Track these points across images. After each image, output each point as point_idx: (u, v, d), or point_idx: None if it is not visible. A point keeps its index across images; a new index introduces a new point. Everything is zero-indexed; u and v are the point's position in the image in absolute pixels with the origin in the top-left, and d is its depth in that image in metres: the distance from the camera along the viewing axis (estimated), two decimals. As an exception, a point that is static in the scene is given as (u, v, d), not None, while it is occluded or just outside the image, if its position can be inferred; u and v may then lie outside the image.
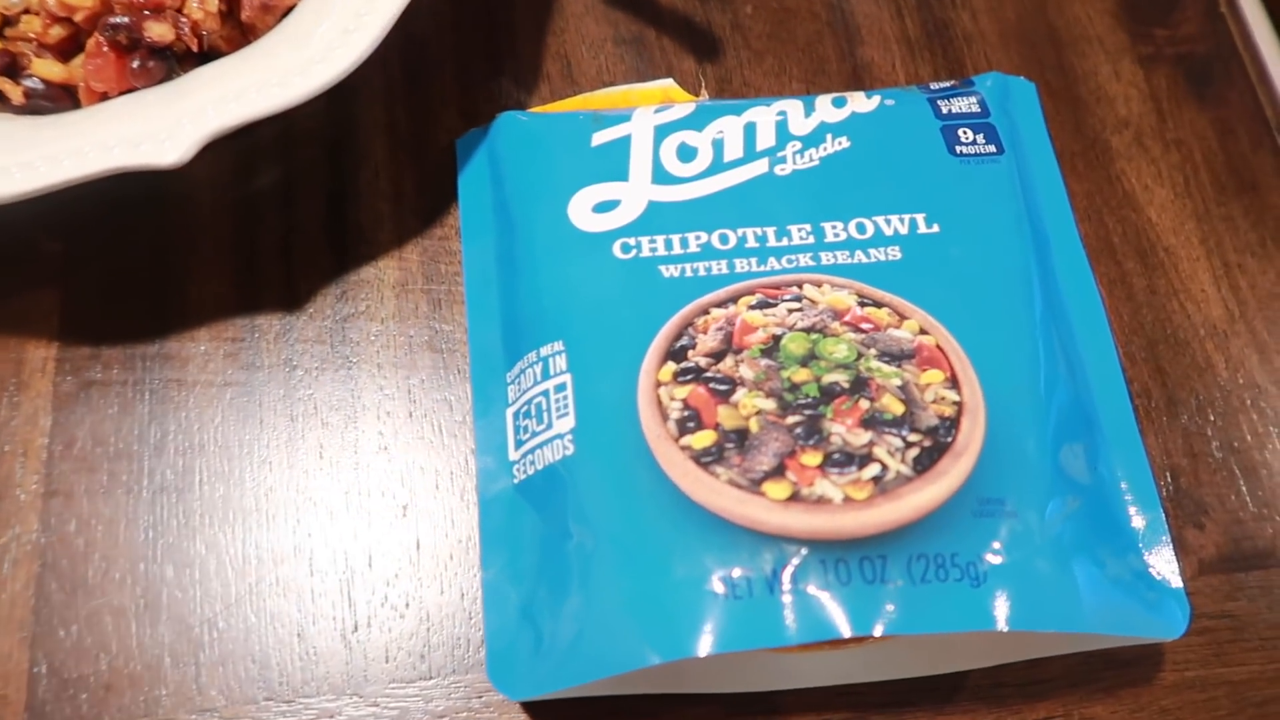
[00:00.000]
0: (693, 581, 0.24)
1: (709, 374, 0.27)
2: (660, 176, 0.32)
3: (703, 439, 0.26)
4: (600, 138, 0.33)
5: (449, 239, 0.34)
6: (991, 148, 0.32)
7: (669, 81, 0.36)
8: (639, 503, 0.26)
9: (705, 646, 0.23)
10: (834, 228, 0.30)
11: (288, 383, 0.32)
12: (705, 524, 0.25)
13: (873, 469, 0.25)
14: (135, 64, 0.30)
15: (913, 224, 0.30)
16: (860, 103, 0.33)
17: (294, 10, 0.31)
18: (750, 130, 0.33)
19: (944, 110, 0.33)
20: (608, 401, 0.27)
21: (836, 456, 0.25)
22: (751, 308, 0.29)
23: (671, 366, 0.28)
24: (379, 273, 0.34)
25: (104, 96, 0.31)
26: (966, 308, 0.28)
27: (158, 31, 0.30)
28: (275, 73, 0.28)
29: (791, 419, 0.26)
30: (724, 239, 0.30)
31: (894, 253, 0.30)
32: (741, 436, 0.26)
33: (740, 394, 0.27)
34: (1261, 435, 0.32)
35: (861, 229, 0.30)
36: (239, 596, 0.29)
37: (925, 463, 0.25)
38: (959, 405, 0.26)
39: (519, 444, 0.29)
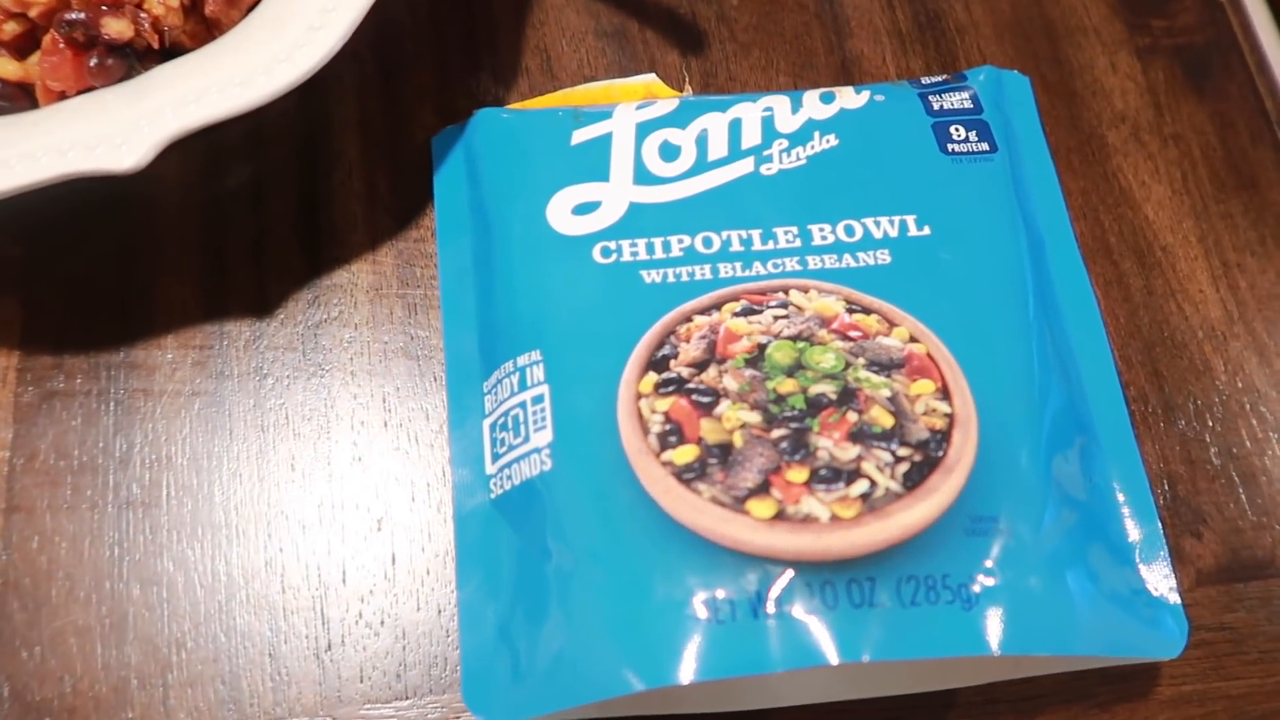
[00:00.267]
0: (674, 604, 0.23)
1: (691, 385, 0.26)
2: (642, 177, 0.31)
3: (685, 454, 0.25)
4: (580, 136, 0.32)
5: (425, 241, 0.33)
6: (984, 145, 0.31)
7: (652, 76, 0.35)
8: (619, 521, 0.25)
9: (688, 673, 0.23)
10: (821, 230, 0.29)
11: (258, 392, 0.31)
12: (687, 544, 0.24)
13: (861, 485, 0.24)
14: (93, 62, 0.29)
15: (903, 226, 0.29)
16: (849, 98, 0.32)
17: (260, 4, 0.30)
18: (735, 127, 0.32)
19: (935, 106, 0.32)
20: (586, 414, 0.26)
21: (823, 472, 0.25)
22: (736, 315, 0.28)
23: (653, 377, 0.27)
24: (352, 276, 0.33)
25: (62, 95, 0.29)
26: (958, 314, 0.28)
27: (115, 28, 0.28)
28: (238, 72, 0.27)
29: (777, 432, 0.25)
30: (708, 242, 0.29)
31: (883, 256, 0.29)
32: (725, 451, 0.25)
33: (724, 406, 0.26)
34: (1261, 441, 0.31)
35: (850, 231, 0.29)
36: (208, 615, 0.29)
37: (915, 479, 0.24)
38: (950, 417, 0.25)
39: (496, 457, 0.28)
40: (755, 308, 0.28)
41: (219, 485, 0.30)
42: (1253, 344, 0.32)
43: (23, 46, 0.30)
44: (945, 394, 0.26)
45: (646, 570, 0.24)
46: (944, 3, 0.37)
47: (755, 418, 0.26)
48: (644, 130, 0.32)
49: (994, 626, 0.23)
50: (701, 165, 0.31)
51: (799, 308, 0.28)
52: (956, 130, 0.31)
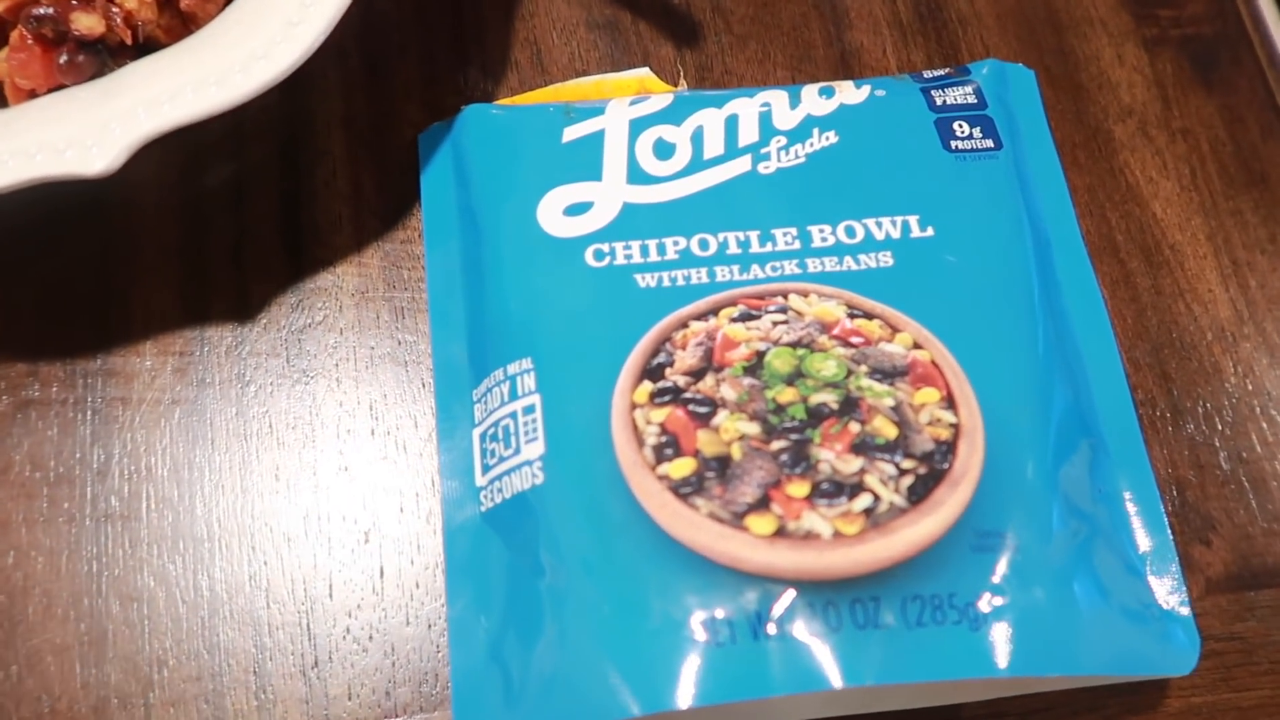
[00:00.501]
0: (672, 625, 0.22)
1: (688, 394, 0.25)
2: (636, 176, 0.30)
3: (681, 467, 0.24)
4: (572, 133, 0.31)
5: (412, 242, 0.32)
6: (989, 142, 0.30)
7: (645, 71, 0.34)
8: (613, 537, 0.24)
9: (686, 698, 0.22)
10: (821, 231, 0.28)
11: (240, 399, 0.30)
12: (684, 561, 0.23)
13: (864, 500, 0.23)
14: (62, 59, 0.27)
15: (905, 227, 0.28)
16: (849, 93, 0.31)
17: (238, -3, 0.29)
18: (732, 124, 0.31)
19: (938, 101, 0.31)
20: (579, 425, 0.25)
21: (825, 486, 0.24)
22: (733, 320, 0.27)
23: (648, 386, 0.26)
24: (337, 279, 0.32)
25: (32, 94, 0.28)
26: (963, 320, 0.27)
27: (86, 24, 0.27)
28: (214, 69, 0.26)
29: (777, 444, 0.24)
30: (704, 244, 0.28)
31: (885, 259, 0.28)
32: (723, 464, 0.24)
33: (721, 417, 0.25)
34: (1272, 445, 0.30)
35: (851, 233, 0.28)
36: (190, 632, 0.28)
37: (920, 492, 0.24)
38: (956, 428, 0.25)
39: (486, 469, 0.27)
40: (753, 313, 0.27)
41: (201, 497, 0.29)
42: (1263, 345, 0.32)
43: (-10, 42, 0.29)
44: (950, 403, 0.25)
45: (642, 589, 0.23)
46: (946, -7, 0.36)
47: (754, 429, 0.25)
48: (637, 127, 0.31)
49: (1002, 647, 0.22)
50: (697, 164, 0.30)
51: (799, 313, 0.27)
52: (960, 126, 0.30)
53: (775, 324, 0.27)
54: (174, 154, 0.32)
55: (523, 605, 0.25)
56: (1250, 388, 0.31)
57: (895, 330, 0.26)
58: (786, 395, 0.25)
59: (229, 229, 0.32)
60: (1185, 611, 0.25)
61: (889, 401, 0.25)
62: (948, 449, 0.24)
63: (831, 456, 0.24)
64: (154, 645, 0.27)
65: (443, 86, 0.34)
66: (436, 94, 0.34)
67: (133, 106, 0.25)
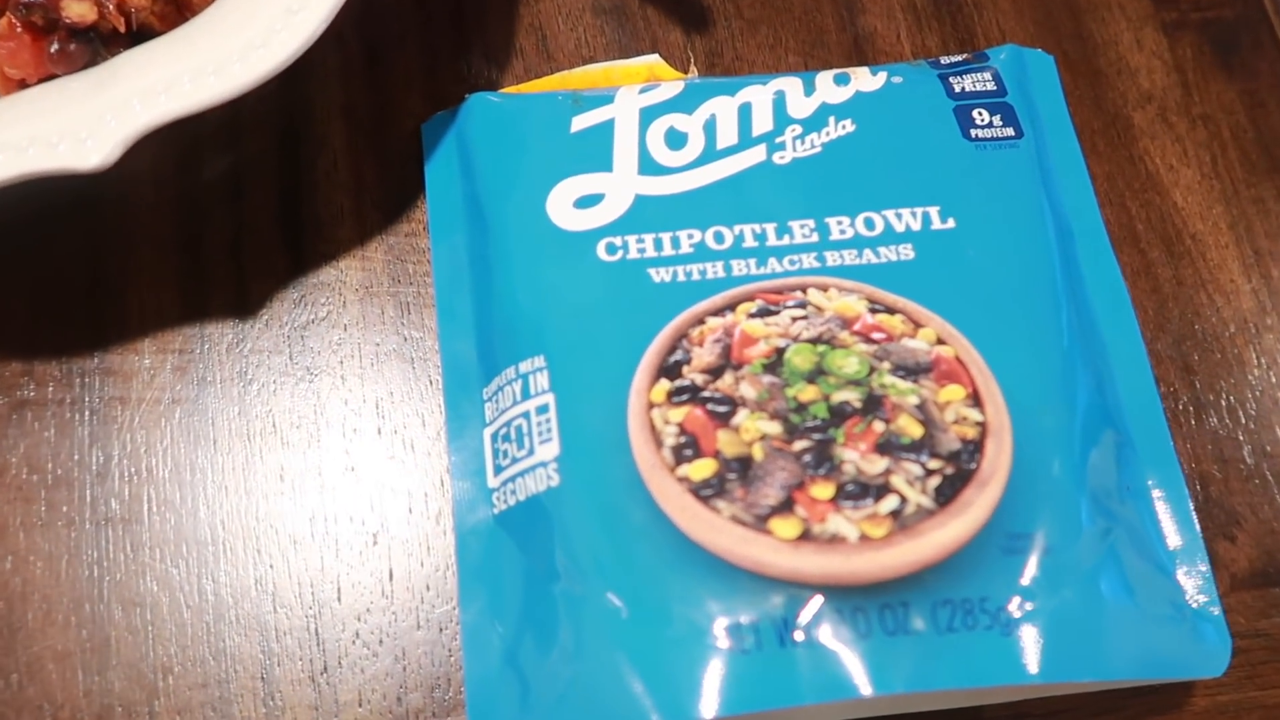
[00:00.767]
0: (694, 632, 0.22)
1: (706, 393, 0.25)
2: (648, 166, 0.29)
3: (702, 469, 0.24)
4: (581, 122, 0.30)
5: (417, 235, 0.31)
6: (1009, 131, 0.29)
7: (654, 57, 0.33)
8: (633, 541, 0.23)
9: (710, 708, 0.21)
10: (840, 224, 0.28)
11: (243, 398, 0.29)
12: (707, 566, 0.22)
13: (890, 502, 0.23)
14: (53, 48, 0.26)
15: (926, 219, 0.28)
16: (865, 80, 0.30)
17: (235, -17, 0.28)
18: (745, 112, 0.30)
19: (956, 88, 0.30)
20: (595, 425, 0.25)
21: (850, 488, 0.23)
22: (751, 316, 0.26)
23: (665, 385, 0.25)
24: (340, 274, 0.31)
25: (22, 84, 0.27)
26: (986, 314, 0.26)
27: (77, 11, 0.26)
28: (212, 59, 0.25)
29: (799, 445, 0.24)
30: (719, 237, 0.28)
31: (906, 251, 0.27)
32: (744, 466, 0.24)
33: (742, 416, 0.24)
34: (1295, 438, 0.30)
35: (870, 225, 0.28)
36: (195, 637, 0.27)
37: (948, 493, 0.23)
38: (982, 426, 0.24)
39: (498, 470, 0.26)
40: (772, 308, 0.26)
41: (204, 499, 0.28)
42: (1286, 336, 0.31)
43: (-22, 30, 0.28)
44: (976, 400, 0.24)
45: (663, 595, 0.23)
46: (962, -24, 0.35)
47: (776, 428, 0.24)
48: (648, 116, 0.30)
49: (1035, 653, 0.22)
50: (710, 154, 0.29)
51: (818, 308, 0.26)
52: (980, 114, 0.30)
53: (794, 319, 0.26)
54: (168, 146, 0.31)
55: (539, 611, 0.24)
56: (1274, 380, 0.31)
57: (918, 325, 0.26)
58: (808, 393, 0.25)
59: (227, 222, 0.31)
60: (1216, 611, 0.25)
61: (913, 399, 0.24)
62: (975, 448, 0.24)
63: (856, 457, 0.24)
64: (158, 652, 0.27)
65: (445, 74, 0.33)
66: (439, 82, 0.33)
67: (128, 98, 0.24)
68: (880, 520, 0.23)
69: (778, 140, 0.29)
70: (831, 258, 0.27)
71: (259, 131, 0.32)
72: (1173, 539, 0.26)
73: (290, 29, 0.25)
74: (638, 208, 0.28)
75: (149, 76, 0.25)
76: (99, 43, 0.27)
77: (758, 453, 0.24)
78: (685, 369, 0.25)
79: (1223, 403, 0.30)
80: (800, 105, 0.30)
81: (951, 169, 0.29)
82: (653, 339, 0.26)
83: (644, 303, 0.26)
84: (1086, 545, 0.23)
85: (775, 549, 0.22)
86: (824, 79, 0.31)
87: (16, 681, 0.26)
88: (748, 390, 0.25)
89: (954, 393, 0.25)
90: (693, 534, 0.23)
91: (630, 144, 0.29)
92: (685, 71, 0.33)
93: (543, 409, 0.25)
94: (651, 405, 0.25)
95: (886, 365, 0.25)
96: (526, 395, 0.26)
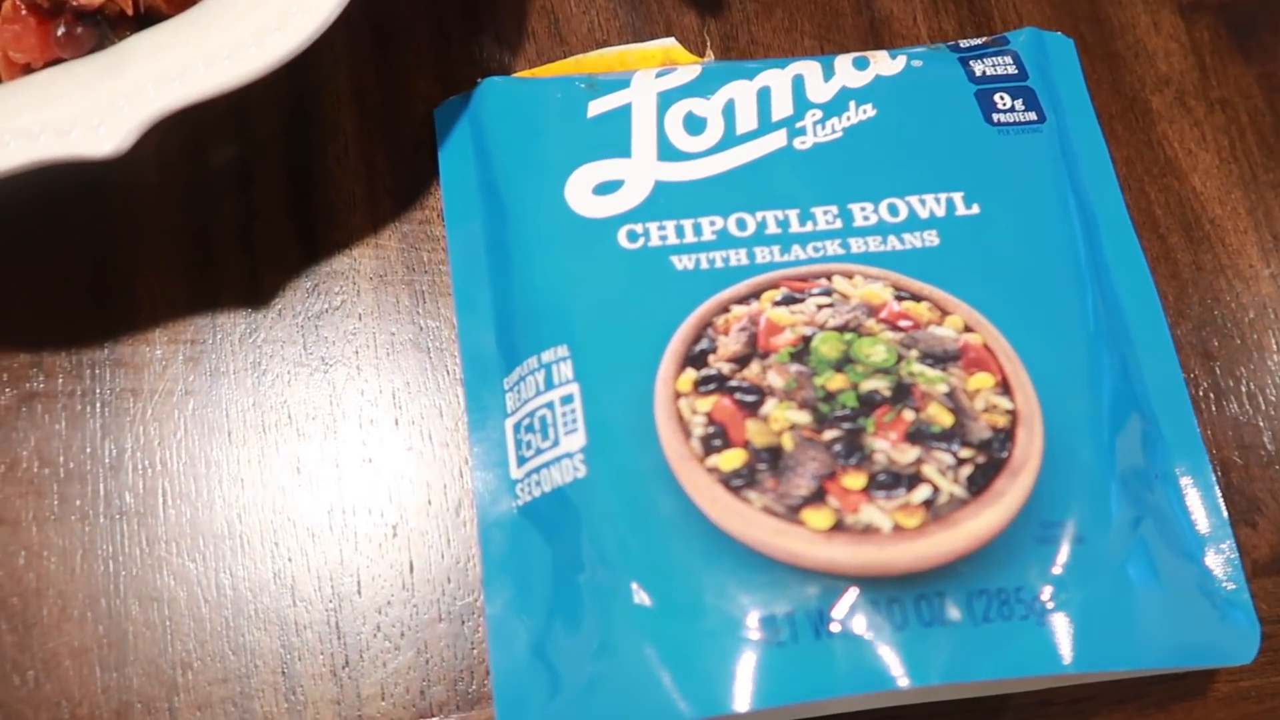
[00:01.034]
0: (728, 624, 0.22)
1: (733, 382, 0.24)
2: (667, 152, 0.29)
3: (731, 459, 0.23)
4: (597, 107, 0.29)
5: (431, 223, 0.31)
6: (1031, 115, 0.29)
7: (671, 41, 0.32)
8: (662, 533, 0.23)
9: (744, 700, 0.21)
10: (863, 210, 0.27)
11: (257, 389, 0.29)
12: (739, 557, 0.22)
13: (923, 491, 0.23)
14: (60, 31, 0.26)
15: (950, 204, 0.27)
16: (884, 64, 0.30)
17: (244, -36, 0.27)
18: (764, 96, 0.30)
19: (977, 72, 0.30)
20: (621, 415, 0.24)
21: (882, 478, 0.23)
22: (776, 304, 0.26)
23: (691, 374, 0.25)
24: (353, 262, 0.30)
25: (27, 68, 0.27)
26: (1013, 301, 0.26)
27: (85, -7, 0.25)
28: (225, 42, 0.24)
29: (829, 434, 0.24)
30: (741, 224, 0.27)
31: (931, 238, 0.27)
32: (774, 455, 0.23)
33: (770, 405, 0.24)
34: (1314, 424, 0.30)
35: (894, 211, 0.27)
36: (214, 632, 0.27)
37: (980, 482, 0.23)
38: (1013, 414, 0.24)
39: (522, 460, 0.26)
40: (797, 296, 0.26)
41: (219, 491, 0.28)
42: (1304, 321, 0.31)
43: (-20, 13, 0.27)
44: (1005, 388, 0.24)
45: (695, 587, 0.22)
46: (978, -43, 0.35)
47: (805, 418, 0.24)
48: (666, 100, 0.30)
49: (1071, 643, 0.22)
50: (730, 139, 0.29)
51: (844, 295, 0.26)
52: (1001, 99, 0.29)
53: (820, 307, 0.26)
54: (174, 131, 0.31)
55: (567, 602, 0.24)
56: (1293, 365, 0.31)
57: (945, 313, 0.26)
58: (836, 382, 0.24)
59: (236, 210, 0.31)
60: (1245, 598, 0.25)
61: (942, 388, 0.24)
62: (1006, 436, 0.23)
63: (887, 446, 0.23)
64: (176, 647, 0.26)
65: (456, 57, 0.33)
66: (450, 66, 0.33)
67: (140, 83, 0.24)
68: (913, 510, 0.22)
69: (798, 125, 0.29)
70: (856, 244, 0.27)
71: (266, 117, 0.31)
72: (1200, 524, 0.26)
73: (306, 11, 0.24)
74: (658, 194, 0.28)
75: (161, 61, 0.24)
76: (106, 26, 0.26)
77: (787, 442, 0.23)
78: (711, 358, 0.25)
79: (1243, 389, 0.30)
80: (819, 89, 0.30)
81: (974, 154, 0.28)
82: (677, 327, 0.25)
83: (667, 291, 0.26)
84: (1117, 533, 0.23)
85: (809, 540, 0.22)
86: (843, 62, 0.30)
87: (33, 678, 0.26)
88: (775, 379, 0.24)
89: (983, 380, 0.24)
90: (724, 525, 0.23)
91: (649, 129, 0.29)
92: (701, 55, 0.33)
93: (567, 399, 0.25)
94: (678, 395, 0.24)
95: (914, 353, 0.25)
96: (550, 385, 0.26)
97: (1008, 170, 0.28)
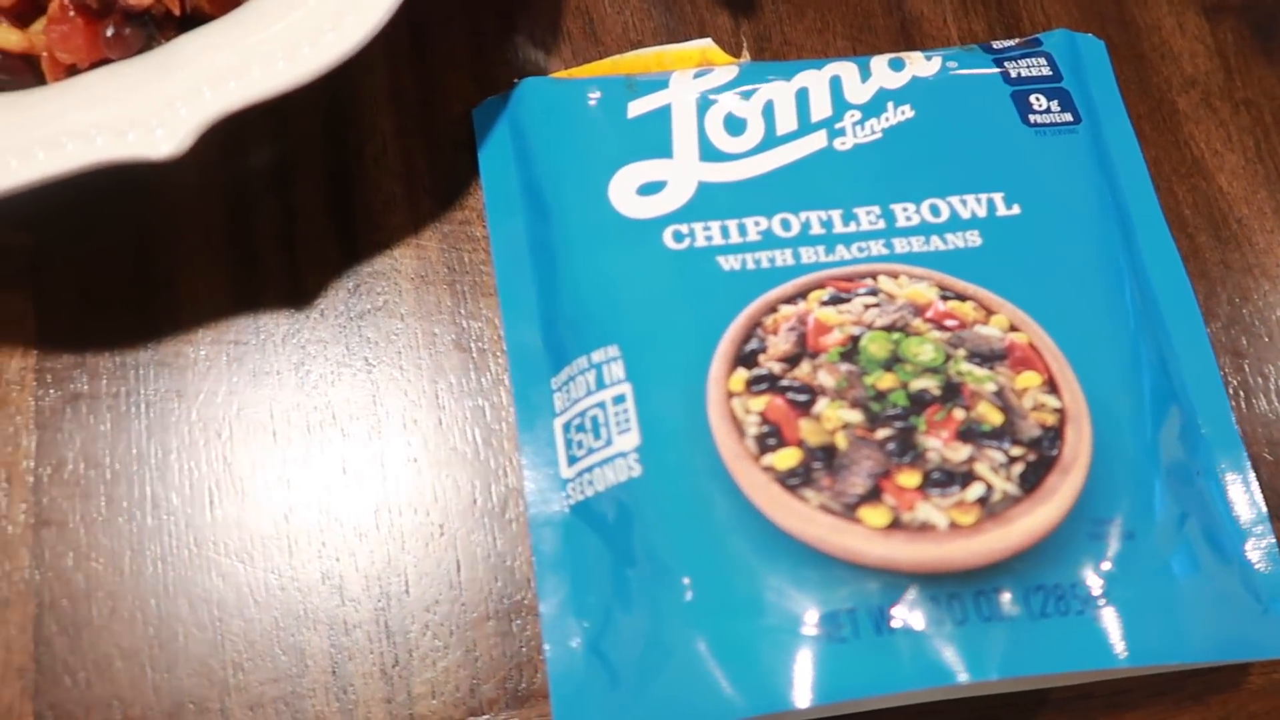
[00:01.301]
0: (788, 621, 0.22)
1: (785, 382, 0.25)
2: (709, 153, 0.29)
3: (786, 458, 0.24)
4: (637, 107, 0.30)
5: (470, 223, 0.31)
6: (1067, 116, 0.30)
7: (707, 41, 0.32)
8: (719, 531, 0.23)
9: (804, 696, 0.21)
10: (905, 210, 0.28)
11: (300, 390, 0.29)
12: (796, 555, 0.23)
13: (977, 489, 0.23)
14: (109, 32, 0.26)
15: (991, 205, 0.28)
16: (920, 65, 0.30)
17: (288, -35, 0.27)
18: (803, 97, 0.30)
19: (1013, 74, 0.30)
20: (674, 415, 0.25)
21: (936, 476, 0.23)
22: (823, 304, 0.26)
23: (742, 374, 0.25)
24: (394, 262, 0.30)
25: (72, 69, 0.27)
26: (1056, 300, 0.26)
27: (134, -6, 0.25)
28: (279, 44, 0.24)
29: (882, 433, 0.24)
30: (786, 224, 0.28)
31: (973, 238, 0.27)
32: (829, 454, 0.24)
33: (822, 405, 0.24)
34: (1341, 420, 0.30)
35: (935, 211, 0.28)
36: (264, 632, 0.27)
37: (1032, 480, 0.23)
38: (1061, 412, 0.24)
39: (572, 460, 0.26)
40: (843, 296, 0.26)
41: (266, 492, 0.28)
42: (1330, 319, 0.32)
43: (24, 14, 0.27)
44: (1053, 387, 0.25)
45: (753, 583, 0.23)
46: (1008, -41, 0.35)
47: (857, 417, 0.24)
48: (705, 101, 0.30)
49: (1123, 637, 0.22)
50: (770, 140, 0.29)
51: (890, 295, 0.26)
52: (1037, 100, 0.30)
53: (867, 307, 0.26)
54: (213, 132, 0.30)
55: (623, 601, 0.24)
56: (1320, 362, 0.31)
57: (990, 312, 0.26)
58: (886, 381, 0.25)
59: (276, 210, 0.31)
60: (1284, 590, 0.25)
61: (991, 386, 0.25)
62: (1055, 434, 0.24)
63: (939, 444, 0.24)
64: (227, 647, 0.27)
65: (492, 57, 0.33)
66: (486, 66, 0.33)
67: (196, 84, 0.24)
68: (968, 508, 0.23)
69: (837, 126, 0.29)
70: (900, 244, 0.27)
71: (304, 117, 0.31)
72: (1242, 518, 0.26)
73: (358, 12, 0.24)
74: (702, 195, 0.28)
75: (215, 62, 0.24)
76: (153, 27, 0.26)
77: (841, 441, 0.24)
78: (761, 357, 0.25)
79: (1272, 386, 0.31)
80: (857, 90, 0.30)
81: (1013, 155, 0.29)
82: (726, 327, 0.26)
83: (715, 291, 0.26)
84: (1163, 528, 0.24)
85: (867, 537, 0.22)
86: (879, 64, 0.31)
87: (85, 680, 0.26)
88: (826, 378, 0.25)
89: (1030, 379, 0.25)
90: (783, 523, 0.23)
91: (689, 130, 0.29)
92: (737, 56, 0.33)
93: (619, 399, 0.25)
94: (731, 394, 0.25)
95: (962, 352, 0.25)
96: (601, 385, 0.26)
97: (1046, 171, 0.28)
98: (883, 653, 0.22)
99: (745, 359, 0.25)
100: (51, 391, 0.28)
